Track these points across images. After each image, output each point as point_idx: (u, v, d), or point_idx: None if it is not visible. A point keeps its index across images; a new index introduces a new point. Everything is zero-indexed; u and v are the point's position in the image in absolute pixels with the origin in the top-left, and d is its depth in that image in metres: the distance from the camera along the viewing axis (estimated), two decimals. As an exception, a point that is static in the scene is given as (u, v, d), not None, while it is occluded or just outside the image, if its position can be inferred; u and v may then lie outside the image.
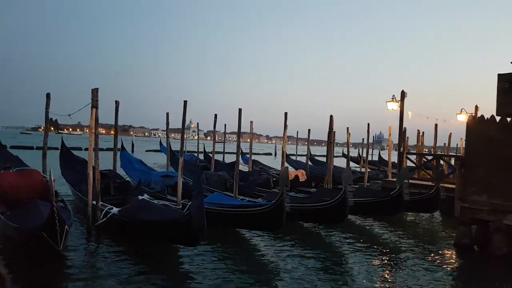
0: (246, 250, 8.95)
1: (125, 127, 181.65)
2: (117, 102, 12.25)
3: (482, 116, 9.46)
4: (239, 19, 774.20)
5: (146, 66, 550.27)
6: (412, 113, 16.10)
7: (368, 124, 19.51)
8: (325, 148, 15.71)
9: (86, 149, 10.25)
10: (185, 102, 10.42)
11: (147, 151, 51.03)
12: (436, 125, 19.24)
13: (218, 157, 22.85)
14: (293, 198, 11.10)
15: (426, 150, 24.28)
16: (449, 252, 9.45)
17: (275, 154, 59.12)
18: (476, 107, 17.57)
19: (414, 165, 17.60)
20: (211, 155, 20.60)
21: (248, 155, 21.14)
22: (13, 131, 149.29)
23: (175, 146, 16.66)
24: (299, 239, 9.88)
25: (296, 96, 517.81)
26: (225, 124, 23.23)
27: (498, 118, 9.10)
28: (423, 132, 21.23)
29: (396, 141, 17.33)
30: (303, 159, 25.14)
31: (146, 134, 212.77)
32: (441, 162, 16.88)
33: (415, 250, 9.45)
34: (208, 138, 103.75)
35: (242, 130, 13.02)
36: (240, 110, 12.68)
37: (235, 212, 9.48)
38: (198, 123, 28.75)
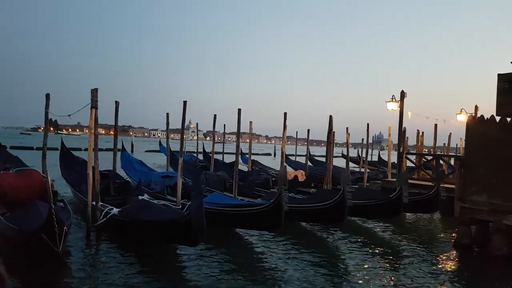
0: (245, 250, 8.96)
1: (125, 127, 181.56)
2: (117, 103, 12.24)
3: (482, 116, 9.46)
4: (239, 19, 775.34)
5: (145, 66, 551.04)
6: (412, 113, 16.10)
7: (368, 124, 19.50)
8: (325, 148, 15.67)
9: (86, 150, 10.24)
10: (185, 102, 10.42)
11: (146, 151, 51.01)
12: (435, 125, 19.24)
13: (218, 157, 22.84)
14: (293, 199, 11.12)
15: (426, 150, 24.28)
16: (449, 252, 9.45)
17: (275, 155, 59.13)
18: (476, 107, 17.56)
19: (414, 165, 17.60)
20: (211, 155, 20.60)
21: (247, 155, 21.14)
22: (13, 131, 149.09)
23: (175, 147, 16.65)
24: (298, 239, 9.88)
25: (296, 96, 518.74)
26: (224, 124, 23.24)
27: (498, 118, 9.10)
28: (422, 132, 21.24)
29: (395, 141, 17.34)
30: (302, 160, 25.12)
31: (146, 134, 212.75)
32: (441, 162, 16.90)
33: (414, 250, 9.45)
34: (208, 138, 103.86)
35: (241, 130, 13.02)
36: (239, 110, 12.68)
37: (233, 211, 9.49)
38: (197, 123, 28.74)
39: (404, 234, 11.23)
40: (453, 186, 10.86)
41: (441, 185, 11.78)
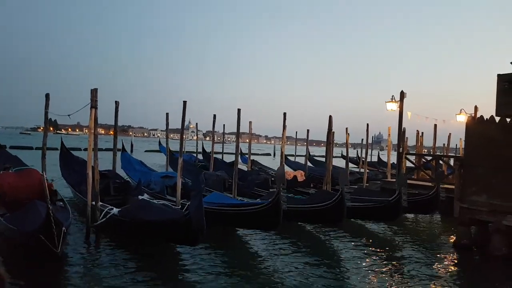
0: (244, 250, 8.96)
1: (124, 127, 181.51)
2: (116, 103, 12.23)
3: (481, 116, 9.47)
4: (239, 19, 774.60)
5: (145, 66, 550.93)
6: (412, 113, 16.11)
7: (367, 124, 19.53)
8: (324, 148, 15.67)
9: (85, 150, 10.22)
10: (185, 102, 10.42)
11: (146, 151, 51.01)
12: (435, 125, 19.24)
13: (217, 157, 22.85)
14: (291, 200, 11.10)
15: (425, 150, 24.30)
16: (448, 253, 9.45)
17: (274, 155, 59.13)
18: (476, 108, 17.57)
19: (413, 166, 17.61)
20: (210, 154, 20.59)
21: (247, 156, 21.15)
22: (13, 131, 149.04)
23: (175, 147, 16.64)
24: (298, 239, 9.89)
25: (296, 96, 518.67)
26: (224, 125, 23.25)
27: (497, 119, 9.11)
28: (422, 133, 21.27)
29: (395, 141, 17.35)
30: (302, 160, 25.14)
31: (145, 134, 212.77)
32: (440, 162, 16.91)
33: (414, 251, 9.46)
34: (207, 138, 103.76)
35: (241, 131, 13.03)
36: (239, 110, 12.69)
37: (232, 211, 9.51)
38: (197, 123, 28.76)
39: (403, 234, 11.24)
40: (453, 187, 10.86)
41: (440, 185, 11.78)
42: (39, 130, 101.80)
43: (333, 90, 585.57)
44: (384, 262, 8.45)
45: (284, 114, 14.60)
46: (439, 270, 8.08)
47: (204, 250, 8.32)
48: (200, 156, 26.69)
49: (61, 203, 9.24)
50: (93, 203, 9.18)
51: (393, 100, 15.72)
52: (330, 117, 14.96)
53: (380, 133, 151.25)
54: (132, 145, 47.84)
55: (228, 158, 24.60)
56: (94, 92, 9.29)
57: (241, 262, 8.02)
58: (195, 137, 30.37)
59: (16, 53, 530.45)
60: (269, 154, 62.15)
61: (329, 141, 15.09)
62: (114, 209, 8.67)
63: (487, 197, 8.95)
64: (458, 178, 9.94)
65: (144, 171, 15.43)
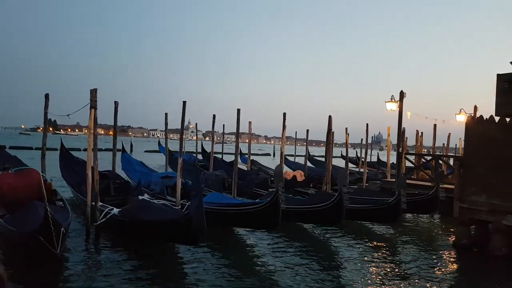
0: (244, 250, 8.96)
1: (124, 127, 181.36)
2: (116, 103, 12.24)
3: (481, 116, 9.47)
4: (239, 19, 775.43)
5: (145, 66, 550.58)
6: (411, 113, 16.14)
7: (367, 124, 19.54)
8: (324, 148, 15.67)
9: (85, 150, 10.21)
10: (184, 102, 10.43)
11: (145, 151, 50.96)
12: (435, 125, 19.27)
13: (217, 156, 22.84)
14: (291, 200, 11.09)
15: (425, 150, 24.33)
16: (448, 253, 9.45)
17: (274, 155, 59.11)
18: (475, 107, 17.59)
19: (413, 166, 17.62)
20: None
21: (246, 156, 21.15)
22: (12, 131, 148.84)
23: (174, 147, 16.64)
24: (297, 239, 9.88)
25: (296, 96, 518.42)
26: (223, 125, 23.27)
27: (497, 119, 9.11)
28: (422, 133, 21.30)
29: (395, 141, 17.37)
30: (302, 160, 25.15)
31: (145, 134, 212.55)
32: (440, 162, 16.91)
33: (413, 251, 9.46)
34: (207, 138, 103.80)
35: (241, 131, 13.03)
36: (238, 110, 12.69)
37: (231, 211, 9.50)
38: (196, 124, 28.78)
39: (403, 234, 11.24)
40: (452, 187, 10.86)
41: (440, 185, 11.79)
42: (39, 130, 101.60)
43: (333, 90, 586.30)
44: (384, 262, 8.45)
45: (284, 114, 14.61)
46: (438, 270, 8.08)
47: (204, 250, 8.32)
48: (199, 156, 26.66)
49: (61, 202, 9.24)
50: (93, 203, 9.18)
51: (393, 100, 15.74)
52: (330, 117, 14.97)
53: (379, 133, 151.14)
54: (131, 146, 47.80)
55: (228, 158, 24.61)
56: (93, 92, 9.28)
57: (240, 262, 8.02)
58: (194, 137, 30.37)
59: (16, 53, 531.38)
60: (268, 154, 62.12)
61: (329, 141, 15.10)
62: (115, 209, 8.67)
63: (487, 197, 8.95)
64: (457, 178, 9.94)
65: (145, 171, 15.41)
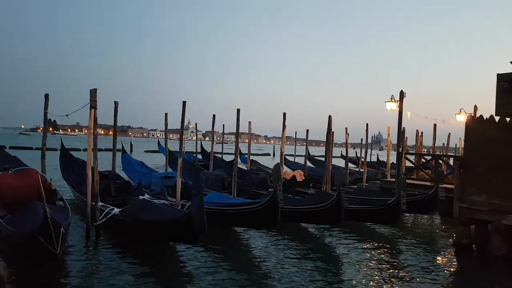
0: (244, 250, 8.96)
1: (124, 127, 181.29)
2: (116, 103, 12.23)
3: (481, 116, 9.47)
4: (239, 19, 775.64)
5: (145, 66, 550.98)
6: (411, 113, 16.14)
7: (367, 124, 19.54)
8: (324, 148, 15.67)
9: (85, 150, 10.20)
10: (184, 102, 10.43)
11: (145, 151, 50.94)
12: (435, 125, 19.27)
13: (217, 156, 22.84)
14: (290, 200, 11.08)
15: (425, 150, 24.35)
16: (448, 253, 9.45)
17: (274, 155, 59.12)
18: (475, 107, 17.59)
19: (413, 165, 17.61)
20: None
21: (246, 156, 21.16)
22: (12, 131, 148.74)
23: (174, 147, 16.64)
24: (297, 239, 9.89)
25: (296, 96, 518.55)
26: (223, 125, 23.27)
27: (497, 118, 9.11)
28: (421, 132, 21.29)
29: (395, 141, 17.36)
30: (301, 160, 25.16)
31: (145, 134, 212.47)
32: (440, 162, 16.91)
33: (413, 250, 9.46)
34: (207, 138, 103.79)
35: (240, 131, 13.02)
36: (238, 110, 12.69)
37: (231, 210, 9.51)
38: (196, 124, 28.75)
39: (403, 234, 11.23)
40: (452, 186, 10.86)
41: (440, 185, 11.79)
42: (39, 130, 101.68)
43: (333, 90, 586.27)
44: (383, 262, 8.45)
45: (284, 114, 14.61)
46: (438, 269, 8.07)
47: (203, 250, 8.32)
48: (199, 156, 26.64)
49: (61, 202, 9.23)
50: (93, 203, 9.18)
51: (393, 100, 15.73)
52: (330, 117, 14.97)
53: (379, 133, 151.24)
54: (131, 146, 47.78)
55: (228, 158, 24.61)
56: (93, 92, 9.28)
57: (240, 262, 8.02)
58: (194, 137, 30.36)
59: (16, 53, 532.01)
60: (268, 154, 62.13)
61: (329, 141, 15.10)
62: (115, 209, 8.68)
63: (487, 197, 8.95)
64: (457, 177, 9.93)
65: (145, 172, 15.40)
